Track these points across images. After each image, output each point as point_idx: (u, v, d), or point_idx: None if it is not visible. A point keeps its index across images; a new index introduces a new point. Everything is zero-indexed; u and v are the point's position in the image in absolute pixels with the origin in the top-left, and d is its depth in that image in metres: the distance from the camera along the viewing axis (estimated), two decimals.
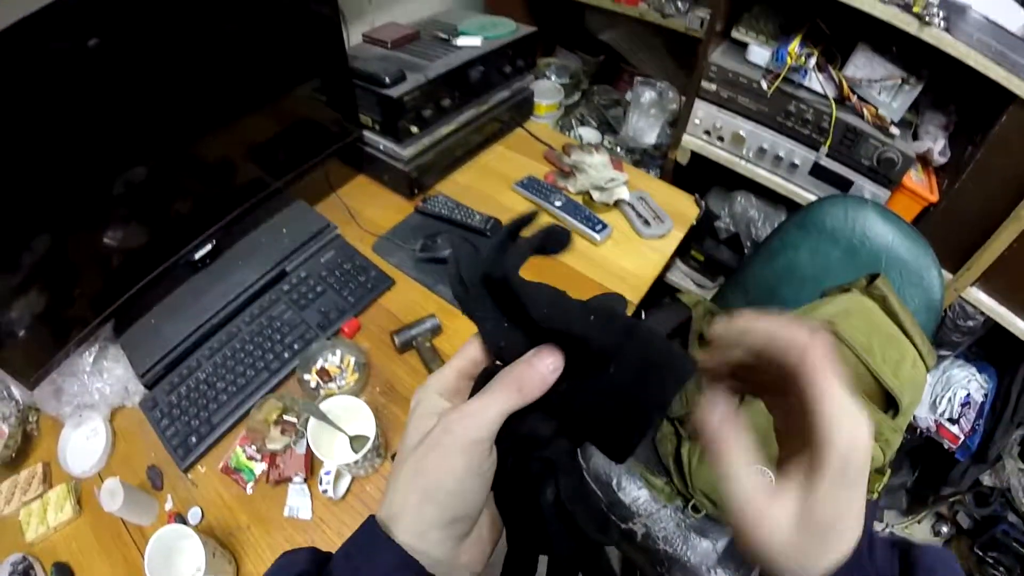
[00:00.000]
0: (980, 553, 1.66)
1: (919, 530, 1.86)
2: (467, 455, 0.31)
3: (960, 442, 1.51)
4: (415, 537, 0.31)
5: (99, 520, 0.86)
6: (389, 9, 1.46)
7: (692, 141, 1.46)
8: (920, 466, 1.84)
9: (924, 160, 1.31)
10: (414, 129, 1.17)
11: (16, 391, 0.98)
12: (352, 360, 0.98)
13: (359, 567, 0.30)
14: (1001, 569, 1.66)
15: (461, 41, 1.24)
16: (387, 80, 1.12)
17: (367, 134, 1.22)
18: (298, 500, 0.87)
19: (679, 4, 1.37)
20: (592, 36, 1.85)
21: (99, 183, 0.84)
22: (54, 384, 0.95)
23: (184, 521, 0.87)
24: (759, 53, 1.27)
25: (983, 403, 1.55)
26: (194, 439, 0.92)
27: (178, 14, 0.81)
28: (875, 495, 1.02)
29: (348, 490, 0.88)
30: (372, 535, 0.31)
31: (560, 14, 1.78)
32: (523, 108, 1.48)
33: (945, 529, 1.85)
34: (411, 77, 1.14)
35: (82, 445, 0.96)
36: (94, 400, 0.97)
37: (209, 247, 1.07)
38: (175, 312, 1.04)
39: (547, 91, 1.58)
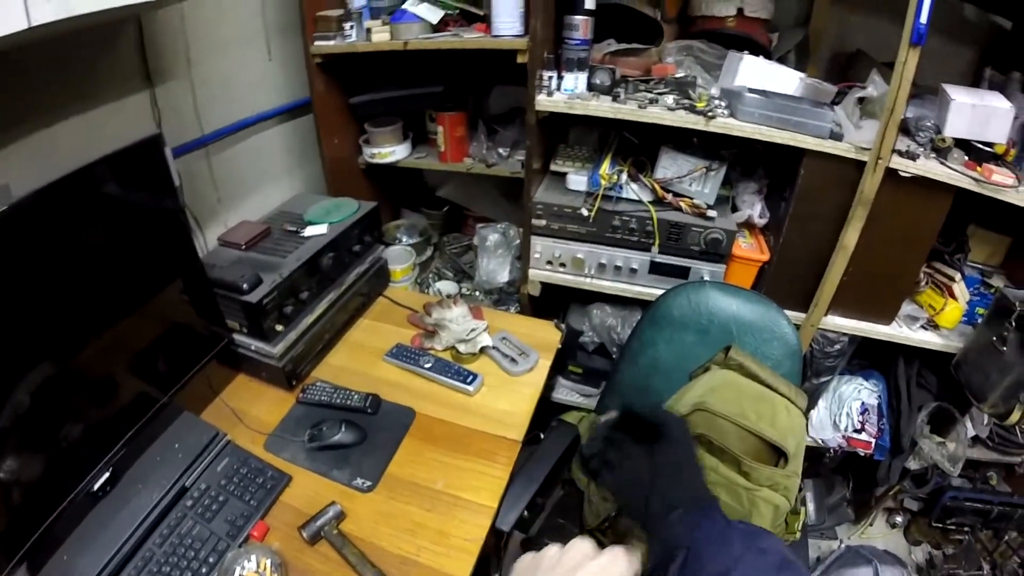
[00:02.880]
0: (940, 526, 1.74)
1: (874, 531, 1.94)
2: None
3: (873, 445, 1.62)
4: None
5: None
6: (241, 203, 1.53)
7: (538, 274, 1.56)
8: (851, 477, 1.95)
9: (749, 225, 1.47)
10: (279, 327, 1.22)
11: None
12: (268, 562, 0.97)
13: None
14: (965, 529, 1.74)
15: (309, 231, 1.32)
16: (244, 287, 1.17)
17: (237, 337, 1.25)
18: None
19: (500, 151, 1.51)
20: (433, 191, 2.00)
21: None
22: None
23: None
24: (577, 180, 1.42)
25: (879, 404, 1.68)
26: None
27: (37, 243, 0.85)
28: (797, 535, 1.07)
29: None
30: None
31: (399, 178, 1.91)
32: (380, 278, 1.55)
33: (899, 519, 1.93)
34: (267, 278, 1.20)
35: None
36: None
37: (106, 475, 1.06)
38: (86, 545, 1.01)
39: (399, 256, 1.68)
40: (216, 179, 1.48)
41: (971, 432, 1.61)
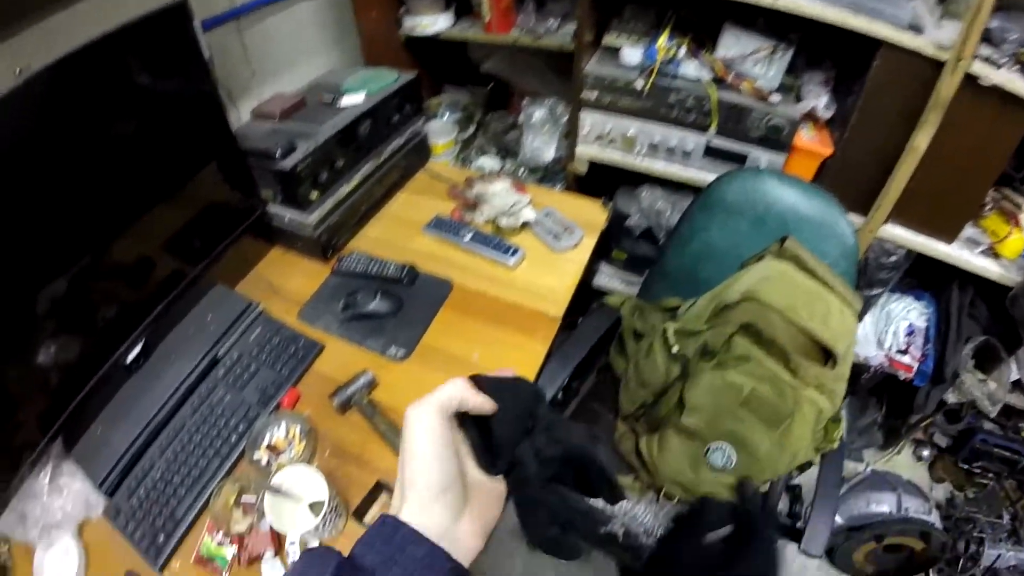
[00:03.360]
0: (966, 467, 1.71)
1: (900, 460, 1.91)
2: (427, 432, 0.40)
3: (915, 370, 1.56)
4: (419, 512, 0.38)
5: None
6: (274, 79, 1.47)
7: (586, 150, 1.48)
8: (885, 401, 1.90)
9: (812, 118, 1.37)
10: (314, 195, 1.18)
11: None
12: (297, 430, 0.99)
13: (382, 551, 0.36)
14: (990, 475, 1.70)
15: (345, 101, 1.26)
16: (278, 154, 1.13)
17: (271, 207, 1.22)
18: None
19: (550, 23, 1.40)
20: (477, 67, 1.88)
21: (22, 305, 0.85)
22: (16, 510, 0.94)
23: None
24: (631, 54, 1.32)
25: (927, 328, 1.61)
26: (162, 537, 0.92)
27: (64, 125, 0.83)
28: (835, 444, 1.04)
29: None
30: (383, 524, 0.38)
31: (441, 53, 1.81)
32: (420, 152, 1.49)
33: (926, 453, 1.89)
34: (301, 146, 1.15)
35: (57, 566, 0.93)
36: (58, 519, 0.95)
37: (139, 348, 1.07)
38: (119, 417, 1.04)
39: (441, 130, 1.60)
40: (249, 53, 1.41)
41: (1014, 375, 1.53)
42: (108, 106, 0.89)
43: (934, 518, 1.55)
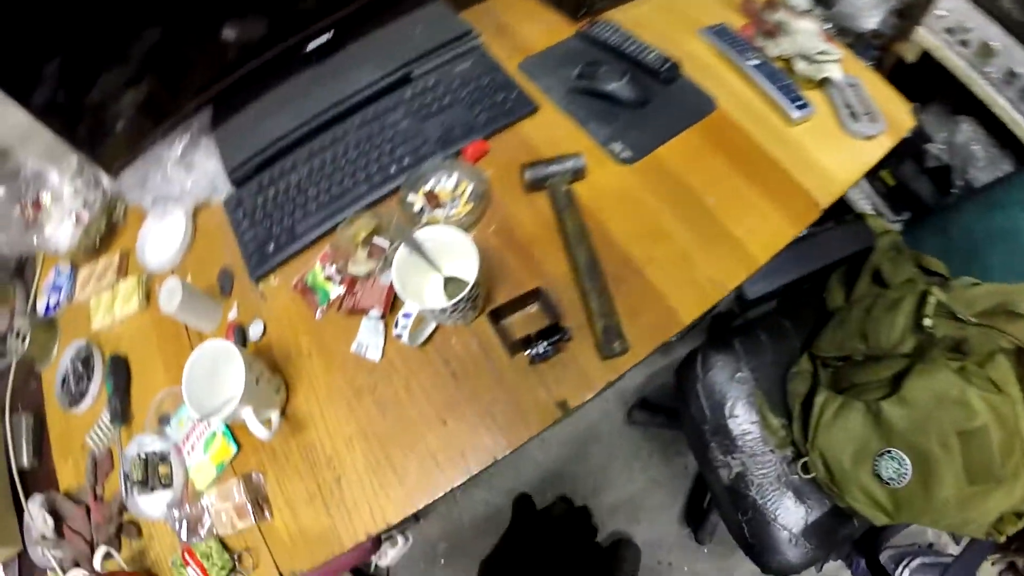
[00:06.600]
0: None
1: None
2: None
3: None
4: None
5: (162, 318, 0.80)
6: None
7: (928, 38, 1.17)
8: None
9: None
10: None
11: (104, 179, 0.96)
12: (470, 188, 0.83)
13: None
14: None
15: None
16: None
17: None
18: (369, 337, 0.77)
19: None
20: None
21: None
22: (139, 172, 0.91)
23: (244, 334, 0.82)
24: None
25: None
26: (272, 247, 0.85)
27: None
28: (1001, 537, 0.84)
29: (429, 339, 0.76)
30: None
31: None
32: None
33: None
34: None
35: (161, 238, 0.93)
36: (178, 192, 0.92)
37: (326, 37, 0.93)
38: (279, 107, 0.94)
39: None
40: None
41: None
42: None
43: None
